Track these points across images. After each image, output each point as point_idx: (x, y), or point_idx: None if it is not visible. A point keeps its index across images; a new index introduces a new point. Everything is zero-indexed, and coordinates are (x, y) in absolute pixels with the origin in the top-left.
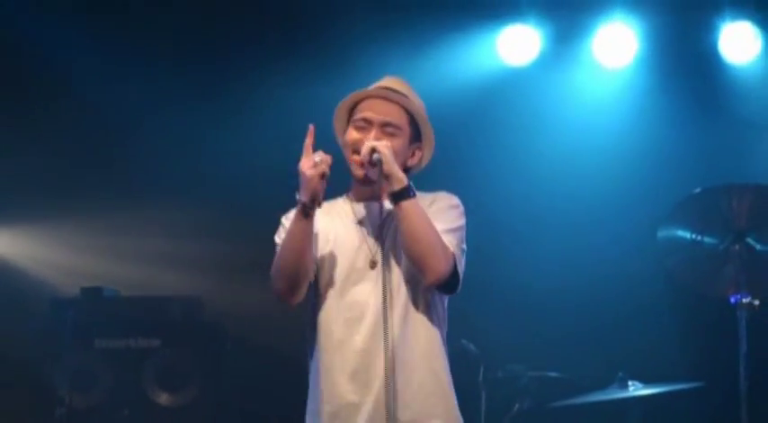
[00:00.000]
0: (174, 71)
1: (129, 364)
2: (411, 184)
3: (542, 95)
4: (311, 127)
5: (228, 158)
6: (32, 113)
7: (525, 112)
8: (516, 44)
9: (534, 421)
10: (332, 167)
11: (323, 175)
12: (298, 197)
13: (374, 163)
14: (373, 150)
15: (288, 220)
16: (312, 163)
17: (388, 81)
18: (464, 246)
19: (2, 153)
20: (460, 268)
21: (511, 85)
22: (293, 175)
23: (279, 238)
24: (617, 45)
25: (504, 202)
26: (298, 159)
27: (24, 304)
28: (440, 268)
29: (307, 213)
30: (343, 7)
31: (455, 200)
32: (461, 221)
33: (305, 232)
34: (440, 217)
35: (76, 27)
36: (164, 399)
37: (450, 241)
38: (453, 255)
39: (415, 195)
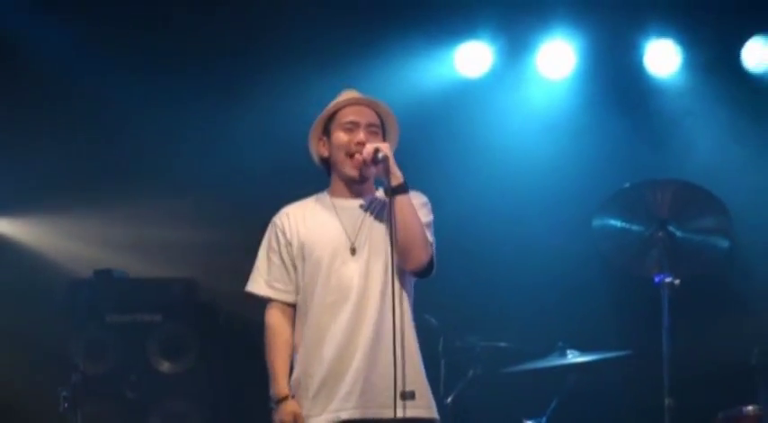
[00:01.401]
0: (175, 77)
1: (136, 336)
2: (406, 180)
3: (494, 103)
4: None
5: (221, 155)
6: (48, 119)
7: (479, 117)
8: (471, 58)
9: (486, 385)
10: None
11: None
12: (272, 405)
13: (379, 161)
14: (377, 150)
15: (279, 219)
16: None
17: (353, 92)
18: (433, 238)
19: (23, 153)
20: (435, 258)
21: (467, 94)
22: (278, 172)
23: (264, 246)
24: (557, 59)
25: (461, 196)
26: (281, 156)
27: (43, 285)
28: (423, 257)
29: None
30: (317, 25)
31: (425, 198)
32: (432, 217)
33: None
34: (421, 214)
35: (89, 38)
36: (165, 366)
37: (427, 234)
38: (432, 245)
39: (409, 191)
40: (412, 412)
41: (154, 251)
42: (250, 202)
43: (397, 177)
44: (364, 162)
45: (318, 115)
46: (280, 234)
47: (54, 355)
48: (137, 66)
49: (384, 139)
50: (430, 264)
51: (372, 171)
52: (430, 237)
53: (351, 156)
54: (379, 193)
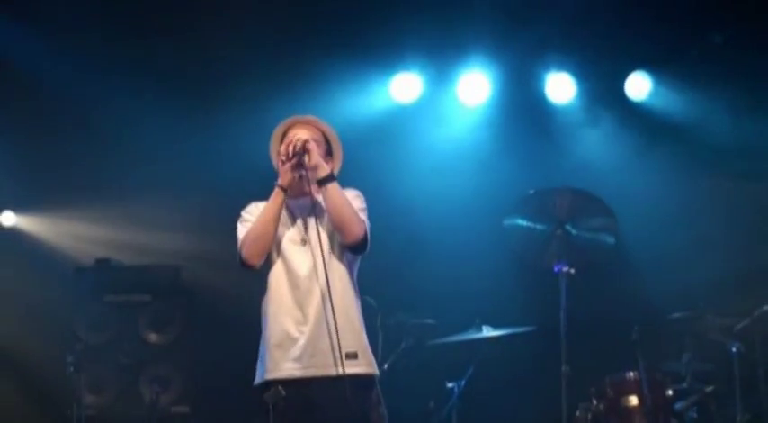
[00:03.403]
0: (161, 100)
1: (129, 313)
2: (332, 171)
3: (424, 125)
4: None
5: (200, 165)
6: (57, 133)
7: (412, 136)
8: (404, 87)
9: (415, 355)
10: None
11: (293, 168)
12: (276, 183)
13: (303, 151)
14: (297, 141)
15: (247, 213)
16: (287, 157)
17: (301, 116)
18: (367, 221)
19: (39, 160)
20: (369, 235)
21: (401, 117)
22: (247, 178)
23: (241, 225)
24: (475, 88)
25: (397, 201)
26: (247, 165)
27: (53, 271)
28: (357, 231)
29: (282, 193)
30: (272, 58)
31: (358, 191)
32: (365, 205)
33: (278, 207)
34: (353, 202)
35: (93, 59)
36: (153, 337)
37: (362, 217)
38: (365, 222)
39: (335, 179)
40: (353, 370)
41: (145, 243)
42: (224, 204)
43: (323, 169)
44: (288, 155)
45: (274, 131)
46: (247, 213)
47: (62, 328)
48: (129, 87)
49: (329, 154)
50: (364, 238)
51: (302, 172)
52: (364, 218)
53: (284, 163)
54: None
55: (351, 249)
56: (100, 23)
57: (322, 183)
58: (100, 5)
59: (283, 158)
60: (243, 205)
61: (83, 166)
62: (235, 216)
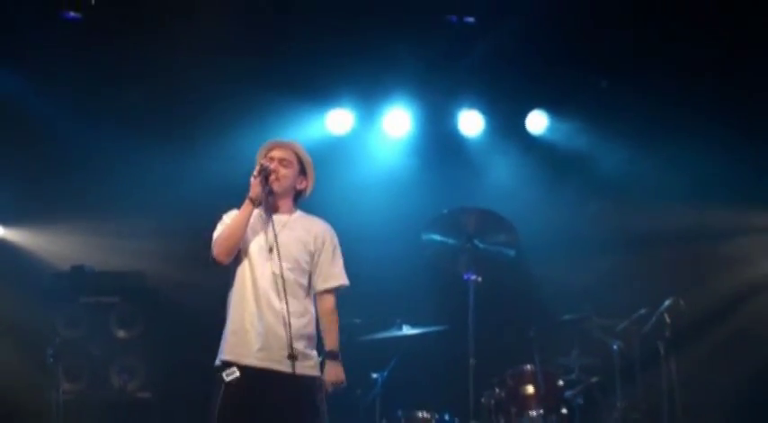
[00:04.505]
0: (135, 125)
1: (100, 312)
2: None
3: (354, 153)
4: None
5: (166, 183)
6: (37, 156)
7: (344, 164)
8: (337, 121)
9: (346, 349)
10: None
11: (263, 184)
12: (248, 195)
13: (262, 172)
14: (261, 165)
15: (228, 216)
16: (257, 173)
17: (280, 140)
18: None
19: (21, 179)
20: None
21: (334, 147)
22: (209, 195)
23: (219, 226)
24: (398, 122)
25: (334, 219)
26: (212, 184)
27: (33, 276)
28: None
29: (252, 205)
30: (232, 92)
31: (332, 231)
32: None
33: (246, 216)
34: (335, 253)
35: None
36: (121, 333)
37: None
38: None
39: (338, 357)
40: (302, 370)
41: (114, 252)
42: (184, 216)
43: (334, 349)
44: (255, 175)
45: (259, 150)
46: (228, 216)
47: (42, 325)
48: (102, 118)
49: (301, 174)
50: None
51: (265, 189)
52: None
53: (255, 177)
54: (297, 213)
55: None
56: (73, 60)
57: (330, 357)
58: (78, 45)
59: (255, 173)
60: (208, 221)
61: (62, 187)
62: (193, 228)
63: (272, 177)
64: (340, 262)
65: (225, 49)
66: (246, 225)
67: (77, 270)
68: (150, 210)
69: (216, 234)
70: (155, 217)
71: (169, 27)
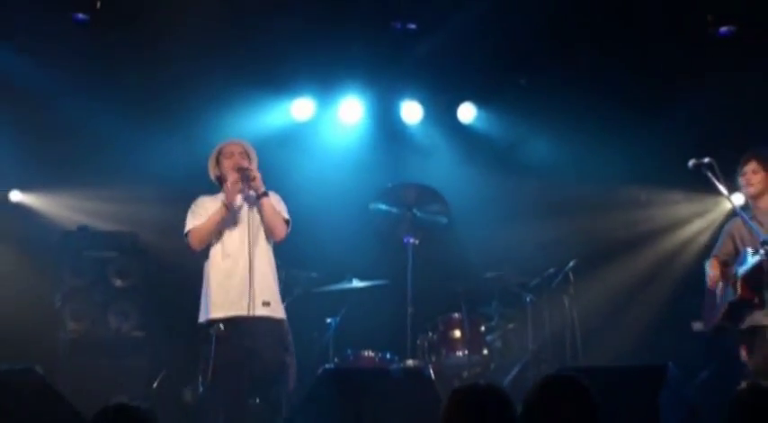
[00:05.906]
0: (132, 106)
1: (100, 263)
2: (265, 189)
3: (316, 138)
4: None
5: (158, 156)
6: (43, 130)
7: (306, 146)
8: (300, 109)
9: (304, 300)
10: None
11: (237, 190)
12: (223, 200)
13: (245, 175)
14: (243, 168)
15: (197, 205)
16: (234, 181)
17: (231, 139)
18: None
19: (35, 150)
20: (290, 226)
21: (297, 133)
22: (193, 168)
23: (191, 214)
24: (351, 110)
25: (298, 194)
26: (195, 160)
27: (44, 234)
28: (282, 233)
29: (226, 208)
30: (209, 81)
31: (279, 195)
32: (284, 204)
33: (221, 218)
34: (278, 205)
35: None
36: (118, 282)
37: (285, 215)
38: (287, 221)
39: (268, 194)
40: (266, 312)
41: (113, 215)
42: (173, 185)
43: (261, 188)
44: (232, 182)
45: (211, 151)
46: (198, 207)
47: (52, 275)
48: (104, 97)
49: (249, 161)
50: (286, 235)
51: (244, 191)
52: (286, 216)
53: (230, 183)
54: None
55: (275, 241)
56: (77, 45)
57: (260, 197)
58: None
59: (232, 180)
60: (188, 188)
61: (72, 157)
62: (180, 195)
63: (251, 176)
64: (281, 206)
65: (209, 46)
66: (219, 225)
67: (83, 229)
68: (145, 178)
69: (190, 225)
70: (149, 184)
71: (158, 21)
